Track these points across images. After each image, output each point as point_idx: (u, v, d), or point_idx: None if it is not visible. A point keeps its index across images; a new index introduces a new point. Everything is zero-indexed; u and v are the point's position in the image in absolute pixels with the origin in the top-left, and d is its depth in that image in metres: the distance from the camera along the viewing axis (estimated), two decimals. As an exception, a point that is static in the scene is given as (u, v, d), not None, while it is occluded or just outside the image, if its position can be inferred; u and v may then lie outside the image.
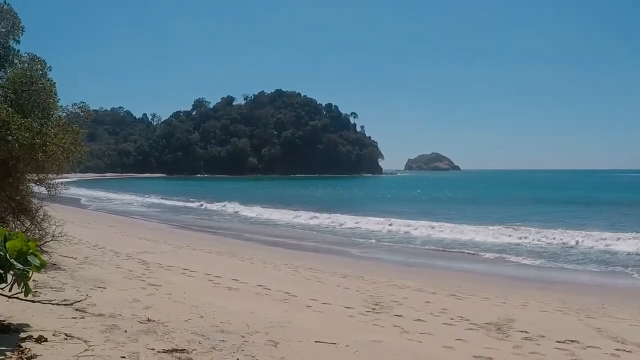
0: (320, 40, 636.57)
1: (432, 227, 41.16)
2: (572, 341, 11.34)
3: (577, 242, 33.25)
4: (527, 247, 32.41)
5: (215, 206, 64.85)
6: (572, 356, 10.20)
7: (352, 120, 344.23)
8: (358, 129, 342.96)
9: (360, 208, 65.20)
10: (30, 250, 7.43)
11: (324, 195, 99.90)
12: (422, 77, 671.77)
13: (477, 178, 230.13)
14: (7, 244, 7.22)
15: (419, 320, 12.69)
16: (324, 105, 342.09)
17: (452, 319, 13.19)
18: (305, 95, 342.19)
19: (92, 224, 36.52)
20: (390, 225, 43.38)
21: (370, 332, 10.87)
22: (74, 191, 63.43)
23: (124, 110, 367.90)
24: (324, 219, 48.84)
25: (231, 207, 62.62)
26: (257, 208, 60.29)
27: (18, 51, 19.41)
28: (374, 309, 13.83)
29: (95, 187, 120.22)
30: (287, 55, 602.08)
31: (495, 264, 27.17)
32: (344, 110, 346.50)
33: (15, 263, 7.23)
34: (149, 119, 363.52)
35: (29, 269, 7.41)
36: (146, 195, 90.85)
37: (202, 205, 65.90)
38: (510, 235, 36.45)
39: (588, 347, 11.00)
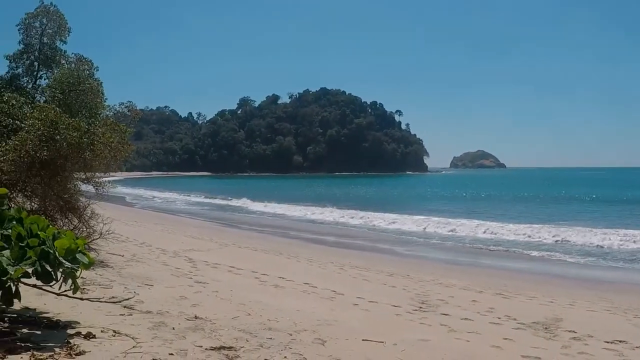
0: (365, 38, 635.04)
1: (477, 226, 40.83)
2: (620, 341, 11.18)
3: (621, 242, 32.65)
4: (573, 246, 32.02)
5: (259, 205, 64.80)
6: (621, 356, 10.07)
7: (397, 118, 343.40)
8: (403, 126, 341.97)
9: (404, 206, 65.06)
10: (79, 248, 7.51)
11: (369, 194, 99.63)
12: (466, 73, 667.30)
13: (523, 176, 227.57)
14: (56, 243, 7.30)
15: (466, 319, 12.60)
16: (368, 103, 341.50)
17: (499, 318, 13.09)
18: (350, 93, 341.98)
19: (138, 222, 36.77)
20: (434, 223, 43.11)
21: (418, 331, 10.82)
22: (120, 189, 63.92)
23: (170, 109, 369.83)
24: (369, 217, 48.61)
25: (275, 206, 62.54)
26: (300, 207, 60.21)
27: (65, 52, 19.62)
28: (420, 307, 13.77)
29: (142, 185, 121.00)
30: (332, 53, 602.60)
31: (541, 262, 26.87)
32: (388, 108, 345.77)
33: (64, 261, 7.30)
34: (195, 118, 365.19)
35: (78, 266, 7.49)
36: (191, 194, 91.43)
37: (245, 204, 65.68)
38: (555, 234, 35.98)
39: (637, 347, 10.83)
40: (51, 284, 7.61)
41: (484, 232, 38.21)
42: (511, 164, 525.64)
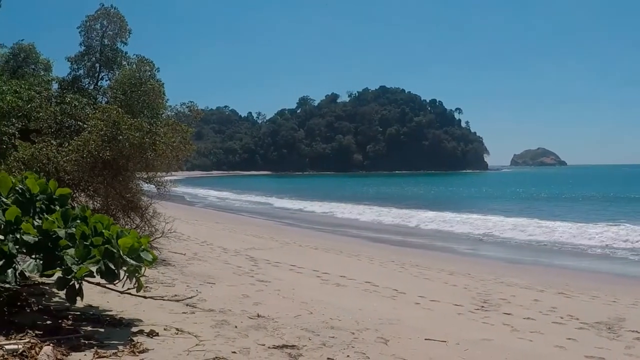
0: (424, 36, 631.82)
1: (539, 226, 40.33)
2: (686, 342, 11.00)
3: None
4: (635, 245, 31.45)
5: (319, 204, 64.72)
6: (687, 356, 9.89)
7: (457, 115, 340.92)
8: (463, 124, 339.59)
9: (464, 205, 64.67)
10: (143, 247, 7.57)
11: (430, 193, 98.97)
12: (527, 70, 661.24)
13: (585, 174, 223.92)
14: (120, 241, 7.38)
15: (528, 318, 12.51)
16: (428, 101, 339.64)
17: (561, 317, 12.93)
18: (410, 92, 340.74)
19: (199, 221, 37.03)
20: (494, 222, 42.77)
21: (480, 330, 10.77)
22: (181, 189, 64.57)
23: (229, 109, 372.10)
24: (428, 217, 48.39)
25: (334, 206, 62.35)
26: (360, 207, 60.01)
27: (126, 53, 19.84)
28: (482, 306, 13.67)
29: (202, 184, 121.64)
30: (391, 51, 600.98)
31: (603, 261, 26.43)
32: (448, 106, 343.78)
33: (127, 259, 7.37)
34: (254, 117, 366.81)
35: (142, 265, 7.55)
36: (251, 193, 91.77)
37: (305, 207, 65.43)
38: (617, 233, 35.40)
39: (703, 347, 10.64)
40: (115, 282, 7.69)
41: (545, 231, 37.58)
42: (572, 161, 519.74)
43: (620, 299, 16.40)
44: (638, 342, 10.83)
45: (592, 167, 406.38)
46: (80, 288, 7.41)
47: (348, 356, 7.82)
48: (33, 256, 7.44)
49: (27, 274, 7.51)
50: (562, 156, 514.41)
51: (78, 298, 7.48)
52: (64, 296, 7.80)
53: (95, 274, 7.27)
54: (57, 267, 7.17)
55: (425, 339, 9.34)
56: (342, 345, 8.30)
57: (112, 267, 7.29)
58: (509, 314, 12.98)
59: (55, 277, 7.43)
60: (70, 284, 7.25)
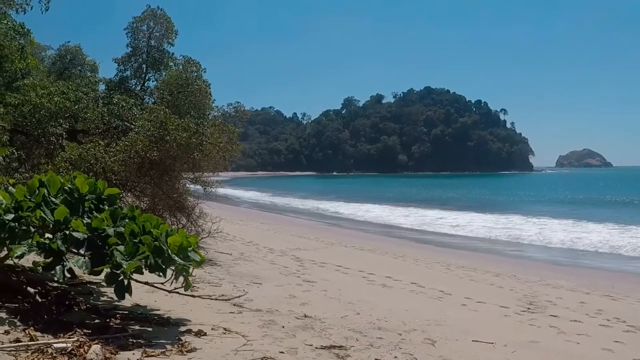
0: (469, 35, 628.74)
1: (581, 228, 40.08)
2: None
3: None
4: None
5: (365, 206, 64.53)
6: None
7: (502, 116, 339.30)
8: (508, 125, 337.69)
9: (509, 206, 64.42)
10: (191, 246, 7.59)
11: (474, 195, 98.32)
12: (572, 73, 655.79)
13: (633, 175, 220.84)
14: (169, 239, 7.40)
15: (575, 321, 12.40)
16: (473, 101, 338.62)
17: (608, 320, 12.84)
18: (455, 92, 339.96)
19: (244, 221, 37.16)
20: (541, 225, 42.58)
21: (527, 332, 10.69)
22: (227, 189, 64.77)
23: (275, 109, 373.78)
24: (473, 218, 48.24)
25: (378, 208, 62.11)
26: (409, 208, 59.81)
27: (172, 54, 19.97)
28: (528, 308, 13.57)
29: (248, 185, 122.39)
30: (436, 51, 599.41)
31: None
32: (493, 106, 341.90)
33: (176, 258, 7.39)
34: (299, 118, 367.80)
35: (190, 264, 7.57)
36: (298, 195, 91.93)
37: (351, 213, 65.01)
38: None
39: None
40: (162, 281, 7.73)
41: (589, 234, 37.26)
42: (618, 162, 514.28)
43: (668, 302, 16.22)
44: (686, 345, 10.69)
45: (637, 168, 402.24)
46: (129, 284, 7.45)
47: (395, 357, 7.79)
48: (82, 253, 7.50)
49: (76, 271, 7.54)
50: (607, 157, 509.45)
51: (127, 295, 7.51)
52: (111, 295, 7.85)
53: (144, 268, 7.31)
54: (106, 264, 7.21)
55: (473, 341, 9.28)
56: (389, 346, 8.27)
57: (161, 263, 7.32)
58: (555, 316, 12.87)
59: (103, 275, 7.47)
60: (119, 279, 7.29)
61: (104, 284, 7.71)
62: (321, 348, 7.79)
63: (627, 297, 16.70)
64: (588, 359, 9.10)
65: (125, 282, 7.38)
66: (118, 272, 7.16)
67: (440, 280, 17.73)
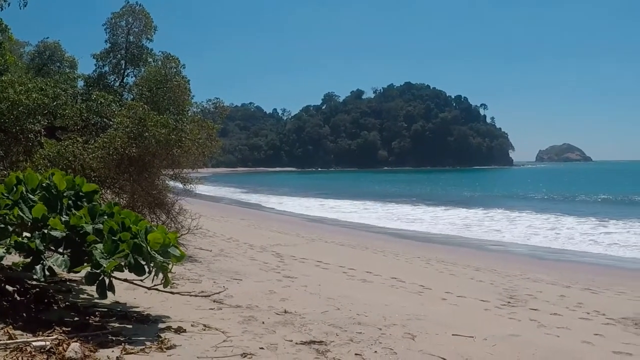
0: (449, 31, 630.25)
1: (561, 222, 40.42)
2: None
3: None
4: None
5: (346, 203, 64.53)
6: None
7: (482, 111, 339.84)
8: (488, 120, 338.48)
9: (489, 201, 64.83)
10: (171, 243, 7.57)
11: (453, 190, 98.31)
12: (551, 68, 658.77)
13: (613, 169, 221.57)
14: (148, 236, 7.37)
15: (555, 314, 12.52)
16: (453, 97, 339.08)
17: (588, 313, 12.98)
18: (435, 87, 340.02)
19: (224, 217, 37.19)
20: (521, 219, 42.93)
21: (507, 326, 10.76)
22: (207, 185, 64.69)
23: (255, 105, 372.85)
24: (453, 213, 48.53)
25: (357, 203, 62.17)
26: (389, 204, 59.97)
27: (151, 50, 19.91)
28: (509, 302, 13.69)
29: (227, 181, 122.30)
30: (416, 47, 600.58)
31: (628, 258, 26.25)
32: (473, 102, 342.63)
33: (155, 255, 7.37)
34: (279, 114, 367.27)
35: (170, 260, 7.56)
36: (278, 190, 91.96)
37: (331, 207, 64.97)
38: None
39: None
40: (142, 278, 7.70)
41: (569, 229, 37.53)
42: (598, 157, 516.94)
43: (646, 294, 16.35)
44: (666, 338, 10.79)
45: (617, 163, 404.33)
46: (111, 282, 7.42)
47: (375, 352, 7.80)
48: (60, 251, 7.46)
49: (55, 269, 7.51)
50: (587, 152, 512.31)
51: (109, 292, 7.49)
52: (91, 292, 7.84)
53: (124, 267, 7.29)
54: (85, 262, 7.18)
55: (453, 335, 9.31)
56: (369, 341, 8.29)
57: (141, 261, 7.30)
58: (535, 309, 12.99)
59: (83, 273, 7.44)
60: (100, 278, 7.26)
61: (83, 281, 7.67)
62: (301, 343, 7.79)
63: (607, 290, 16.85)
64: (568, 352, 9.12)
65: (107, 281, 7.35)
66: (98, 271, 7.13)
67: (421, 274, 17.84)
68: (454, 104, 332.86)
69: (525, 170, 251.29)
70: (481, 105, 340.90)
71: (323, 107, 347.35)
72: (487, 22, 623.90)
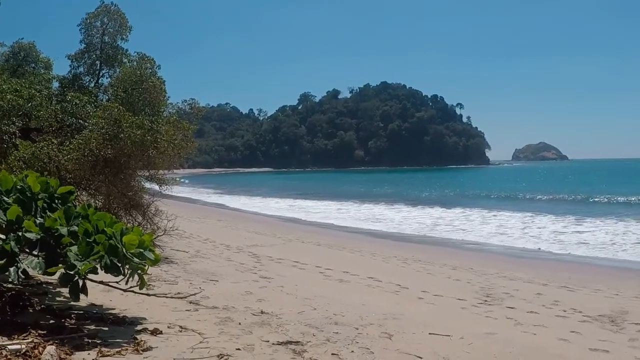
0: (425, 30, 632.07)
1: (538, 221, 40.66)
2: (689, 333, 11.04)
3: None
4: (631, 237, 31.33)
5: (322, 203, 64.58)
6: (690, 348, 9.91)
7: (458, 111, 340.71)
8: (464, 119, 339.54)
9: (464, 200, 65.17)
10: (146, 244, 7.55)
11: (431, 189, 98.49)
12: (527, 67, 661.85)
13: (589, 168, 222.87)
14: (124, 238, 7.35)
15: (531, 312, 12.60)
16: (429, 96, 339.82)
17: (564, 311, 13.06)
18: (411, 87, 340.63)
19: (201, 218, 37.09)
20: (497, 218, 43.15)
21: (484, 324, 10.83)
22: (183, 186, 64.55)
23: (231, 106, 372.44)
24: (430, 213, 48.67)
25: (335, 204, 62.20)
26: (365, 204, 60.03)
27: (126, 50, 19.81)
28: (485, 300, 13.76)
29: (204, 182, 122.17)
30: (392, 47, 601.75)
31: (604, 256, 26.38)
32: (450, 101, 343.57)
33: (131, 257, 7.35)
34: (256, 114, 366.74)
35: (145, 262, 7.53)
36: (255, 190, 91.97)
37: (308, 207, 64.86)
38: (619, 228, 35.67)
39: None
40: (118, 280, 7.68)
41: (546, 227, 37.78)
42: (574, 155, 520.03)
43: (623, 292, 16.51)
44: (641, 334, 10.87)
45: (593, 161, 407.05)
46: (85, 284, 7.39)
47: (352, 351, 7.82)
48: (35, 254, 7.42)
49: (30, 272, 7.46)
50: (563, 150, 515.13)
51: (82, 296, 7.45)
52: (67, 295, 7.78)
53: (99, 269, 7.26)
54: (60, 264, 7.15)
55: (429, 334, 9.37)
56: (346, 341, 8.31)
57: (117, 262, 7.28)
58: (512, 307, 13.07)
59: (58, 275, 7.40)
60: (74, 280, 7.23)
61: (58, 283, 7.64)
62: (278, 344, 7.80)
63: (584, 288, 16.96)
64: (544, 349, 9.18)
65: (80, 282, 7.32)
66: (72, 273, 7.10)
67: (397, 274, 17.87)
68: (430, 104, 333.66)
69: (502, 169, 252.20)
70: (457, 104, 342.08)
71: (299, 107, 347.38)
72: (463, 21, 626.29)
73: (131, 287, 8.13)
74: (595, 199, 63.44)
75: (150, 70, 18.32)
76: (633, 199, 60.04)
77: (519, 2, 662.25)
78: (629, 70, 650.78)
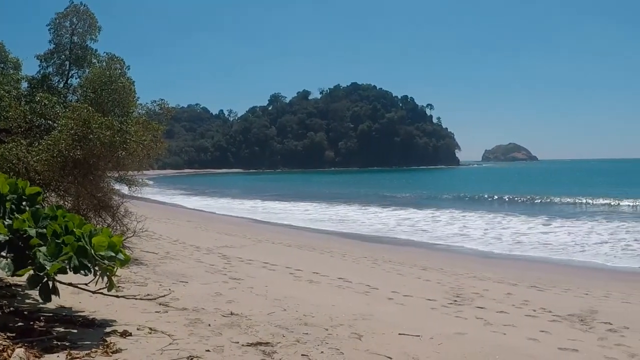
0: (395, 32, 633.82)
1: (507, 221, 40.91)
2: (657, 333, 11.14)
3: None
4: (606, 238, 31.56)
5: (292, 203, 64.56)
6: (659, 348, 10.01)
7: (428, 112, 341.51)
8: (434, 120, 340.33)
9: (434, 201, 65.53)
10: (116, 246, 7.52)
11: (399, 190, 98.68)
12: (498, 68, 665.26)
13: (559, 169, 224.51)
14: (93, 239, 7.32)
15: (501, 312, 12.67)
16: (399, 97, 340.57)
17: (534, 310, 13.15)
18: (381, 88, 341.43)
19: (171, 220, 36.98)
20: (467, 219, 43.33)
21: (454, 324, 10.86)
22: (153, 187, 64.22)
23: (201, 106, 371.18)
24: (404, 214, 48.75)
25: (305, 205, 62.19)
26: (336, 206, 60.06)
27: (96, 51, 19.70)
28: (455, 300, 13.82)
29: (174, 183, 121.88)
30: (362, 48, 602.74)
31: (574, 255, 26.57)
32: (420, 102, 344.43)
33: (100, 259, 7.32)
34: (226, 115, 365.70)
35: (114, 264, 7.51)
36: (226, 190, 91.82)
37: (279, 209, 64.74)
38: (590, 227, 36.04)
39: (674, 338, 10.77)
40: (87, 282, 7.65)
41: (514, 227, 38.03)
42: (543, 156, 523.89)
43: (592, 291, 16.64)
44: (610, 334, 10.99)
45: (562, 162, 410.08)
46: (55, 286, 7.34)
47: (322, 352, 7.83)
48: (4, 255, 7.37)
49: (-2, 273, 7.43)
50: (533, 151, 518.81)
51: (52, 297, 7.40)
52: (36, 297, 7.74)
53: (68, 269, 7.22)
54: (29, 266, 7.10)
55: (399, 334, 9.38)
56: (316, 342, 8.31)
57: (86, 262, 7.24)
58: (482, 307, 13.14)
59: (26, 278, 7.36)
60: (44, 282, 7.19)
61: (27, 284, 7.58)
62: (247, 345, 7.79)
63: (553, 288, 17.11)
64: (514, 349, 9.23)
65: (50, 284, 7.28)
66: (42, 274, 7.06)
67: (368, 274, 17.92)
68: (401, 104, 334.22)
69: (472, 170, 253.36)
70: (427, 105, 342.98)
71: (269, 108, 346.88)
72: (431, 22, 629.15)
73: (100, 288, 8.09)
74: (562, 200, 63.77)
75: (119, 71, 18.24)
76: (600, 201, 60.43)
77: (486, 1, 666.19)
78: (599, 70, 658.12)
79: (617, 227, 36.08)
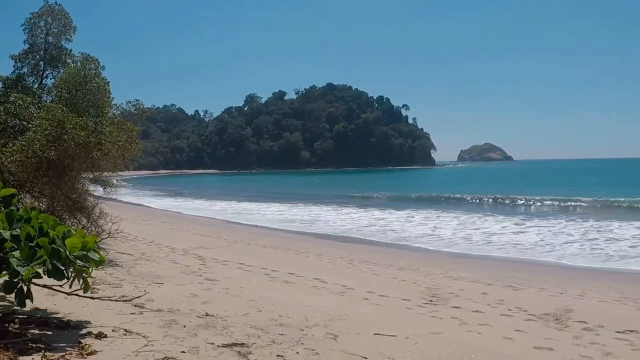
0: (371, 32, 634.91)
1: (482, 222, 41.08)
2: (631, 331, 11.22)
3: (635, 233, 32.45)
4: (581, 238, 31.74)
5: (268, 204, 64.53)
6: (632, 346, 10.12)
7: (404, 112, 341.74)
8: (410, 120, 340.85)
9: (411, 202, 65.68)
10: (90, 246, 7.49)
11: (378, 191, 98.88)
12: (472, 67, 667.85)
13: (534, 169, 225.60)
14: (67, 241, 7.29)
15: (477, 311, 12.68)
16: (375, 98, 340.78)
17: (509, 310, 13.18)
18: (357, 89, 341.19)
19: (146, 220, 36.87)
20: (441, 219, 43.54)
21: (429, 324, 10.89)
22: (128, 188, 64.06)
23: (176, 107, 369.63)
24: (377, 214, 48.83)
25: (279, 206, 62.15)
26: (312, 206, 60.10)
27: (70, 51, 19.62)
28: (431, 300, 13.84)
29: (149, 184, 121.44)
30: (338, 49, 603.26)
31: (549, 254, 26.71)
32: (395, 102, 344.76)
33: (74, 260, 7.29)
34: (201, 116, 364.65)
35: (89, 265, 7.48)
36: (201, 191, 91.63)
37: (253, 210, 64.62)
38: (566, 227, 36.26)
39: (649, 336, 10.85)
40: (62, 283, 7.62)
41: (490, 226, 38.22)
42: (518, 156, 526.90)
43: (567, 290, 16.72)
44: (585, 332, 11.04)
45: (537, 162, 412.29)
46: (29, 290, 7.32)
47: (297, 352, 7.86)
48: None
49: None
50: (508, 151, 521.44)
51: (27, 301, 7.38)
52: (10, 300, 7.71)
53: (42, 274, 7.19)
54: (3, 270, 7.07)
55: (375, 334, 9.42)
56: (291, 342, 8.34)
57: (60, 266, 7.20)
58: (457, 307, 13.15)
59: (1, 281, 7.33)
60: (19, 287, 7.15)
61: (1, 289, 7.55)
62: (223, 346, 7.81)
63: (529, 287, 17.17)
64: (489, 348, 9.28)
65: (25, 288, 7.25)
66: (16, 280, 7.03)
67: (343, 275, 17.93)
68: (376, 105, 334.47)
69: (447, 170, 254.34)
70: (403, 106, 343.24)
71: (245, 109, 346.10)
72: (407, 22, 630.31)
73: (75, 290, 8.07)
74: (534, 200, 64.02)
75: (94, 71, 18.18)
76: (571, 202, 60.70)
77: (460, 2, 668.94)
78: (574, 71, 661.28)
79: (590, 226, 36.34)
